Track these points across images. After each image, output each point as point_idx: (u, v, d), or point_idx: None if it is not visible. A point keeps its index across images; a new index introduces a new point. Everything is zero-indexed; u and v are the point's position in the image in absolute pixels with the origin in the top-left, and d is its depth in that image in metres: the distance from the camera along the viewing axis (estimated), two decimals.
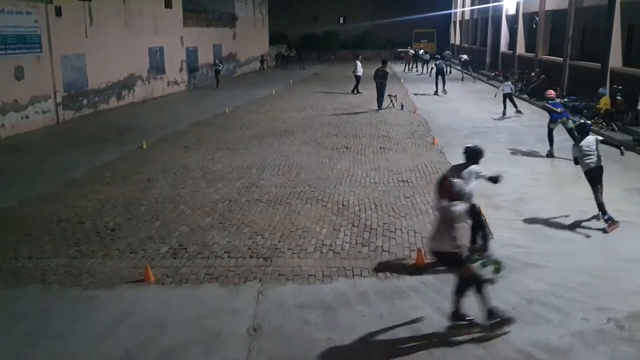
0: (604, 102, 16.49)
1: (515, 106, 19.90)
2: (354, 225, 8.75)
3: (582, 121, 9.82)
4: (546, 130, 13.43)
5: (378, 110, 21.31)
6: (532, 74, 25.25)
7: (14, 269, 7.35)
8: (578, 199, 9.76)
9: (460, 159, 7.33)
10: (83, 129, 18.26)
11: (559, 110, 13.23)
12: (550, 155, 13.15)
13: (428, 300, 6.28)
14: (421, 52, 41.55)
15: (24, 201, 10.28)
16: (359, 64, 27.31)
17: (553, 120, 13.25)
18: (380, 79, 21.67)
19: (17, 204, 10.15)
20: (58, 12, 19.05)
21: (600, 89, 17.43)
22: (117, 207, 9.86)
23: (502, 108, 19.64)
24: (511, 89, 19.83)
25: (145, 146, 14.91)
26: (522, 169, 12.03)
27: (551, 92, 14.05)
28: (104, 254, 7.77)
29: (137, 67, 25.11)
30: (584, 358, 5.19)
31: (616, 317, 5.85)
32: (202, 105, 23.81)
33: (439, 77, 26.42)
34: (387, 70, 22.40)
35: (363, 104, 23.48)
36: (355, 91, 27.16)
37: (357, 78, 27.15)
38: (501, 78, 30.21)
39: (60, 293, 6.69)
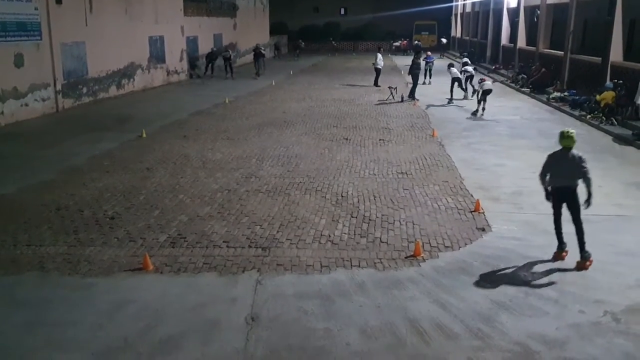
0: (610, 96, 16.44)
1: (465, 90, 21.39)
2: (352, 217, 8.76)
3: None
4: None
5: (412, 100, 21.55)
6: (533, 67, 25.22)
7: (12, 256, 7.36)
8: None
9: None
10: (82, 118, 18.23)
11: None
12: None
13: (425, 292, 6.31)
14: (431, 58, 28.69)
15: (23, 188, 10.28)
16: (379, 56, 26.57)
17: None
18: (415, 69, 22.33)
19: (16, 191, 10.15)
20: None
21: (607, 83, 17.40)
22: (116, 195, 9.87)
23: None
24: (466, 72, 21.15)
25: (144, 135, 14.90)
26: (522, 162, 12.03)
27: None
28: (103, 242, 7.78)
29: (137, 56, 25.04)
30: (580, 350, 5.21)
31: (613, 310, 5.87)
32: (202, 95, 23.76)
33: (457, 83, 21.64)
34: (419, 62, 22.93)
35: (363, 95, 23.45)
36: (375, 84, 26.40)
37: (377, 71, 26.55)
38: (502, 71, 30.22)
39: (58, 281, 6.70)
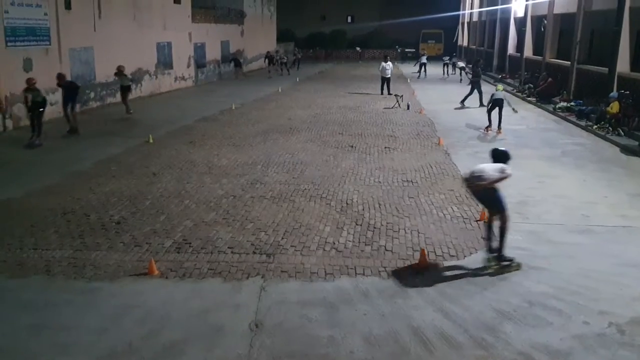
0: (615, 107, 16.43)
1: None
2: (357, 224, 8.77)
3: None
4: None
5: (462, 105, 22.44)
6: (540, 77, 25.21)
7: (19, 259, 7.41)
8: (582, 203, 9.76)
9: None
10: (89, 122, 18.33)
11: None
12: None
13: (430, 300, 6.30)
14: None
15: (30, 192, 10.34)
16: (383, 64, 26.16)
17: None
18: (476, 77, 23.37)
19: (23, 195, 10.21)
20: (68, 5, 19.15)
21: (611, 93, 17.39)
22: (123, 200, 9.91)
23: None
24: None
25: (151, 140, 14.97)
26: (527, 171, 12.01)
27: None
28: (109, 247, 7.82)
29: (144, 62, 25.19)
30: None
31: (617, 321, 5.85)
32: (209, 101, 23.87)
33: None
34: (479, 70, 23.82)
35: (369, 103, 23.49)
36: (382, 93, 26.24)
37: (385, 80, 26.26)
38: (509, 80, 30.24)
39: (64, 284, 6.73)
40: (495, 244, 7.11)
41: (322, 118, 19.38)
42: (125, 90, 20.20)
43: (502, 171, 7.05)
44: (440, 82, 29.25)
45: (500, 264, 7.03)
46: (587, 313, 6.03)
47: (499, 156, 7.36)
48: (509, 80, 31.28)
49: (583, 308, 6.14)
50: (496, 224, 7.13)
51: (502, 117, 16.31)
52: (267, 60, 37.78)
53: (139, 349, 5.38)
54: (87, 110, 20.49)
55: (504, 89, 16.94)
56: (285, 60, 38.70)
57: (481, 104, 21.39)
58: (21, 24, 16.90)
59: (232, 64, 34.82)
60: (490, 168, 7.10)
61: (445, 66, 38.27)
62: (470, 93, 22.56)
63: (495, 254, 7.07)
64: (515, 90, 27.40)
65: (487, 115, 16.55)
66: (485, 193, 7.09)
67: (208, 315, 5.98)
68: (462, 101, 22.61)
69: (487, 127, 16.69)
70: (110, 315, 5.99)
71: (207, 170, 12.01)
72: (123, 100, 20.24)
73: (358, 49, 58.61)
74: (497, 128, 16.46)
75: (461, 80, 33.02)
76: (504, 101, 16.11)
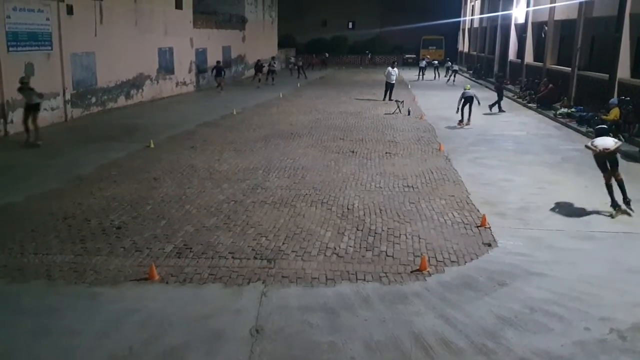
0: (614, 114, 16.43)
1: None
2: (358, 230, 8.77)
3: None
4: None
5: (499, 112, 22.76)
6: (541, 82, 25.25)
7: (19, 264, 7.40)
8: (583, 209, 9.76)
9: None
10: (91, 127, 18.36)
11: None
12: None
13: (431, 306, 6.29)
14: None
15: (31, 197, 10.35)
16: (389, 69, 25.99)
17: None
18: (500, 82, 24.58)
19: (24, 199, 10.21)
20: (69, 10, 19.19)
21: (611, 99, 17.40)
22: (123, 205, 9.91)
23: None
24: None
25: (152, 145, 14.99)
26: (528, 177, 12.03)
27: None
28: (109, 252, 7.81)
29: (146, 67, 25.24)
30: None
31: (619, 327, 5.84)
32: (210, 106, 23.91)
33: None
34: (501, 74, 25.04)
35: (370, 108, 23.52)
36: (385, 99, 26.07)
37: (389, 86, 26.06)
38: (510, 86, 30.34)
39: (65, 289, 6.73)
40: (616, 196, 9.44)
41: (323, 123, 19.40)
42: (31, 110, 15.00)
43: (615, 142, 9.45)
44: (442, 87, 29.28)
45: (626, 207, 9.46)
46: (588, 319, 6.02)
47: (603, 131, 10.05)
48: (509, 87, 31.32)
49: (584, 314, 6.13)
50: (613, 183, 9.46)
51: (472, 112, 19.30)
52: (256, 69, 34.33)
53: (139, 354, 5.37)
54: (88, 115, 20.52)
55: (471, 87, 19.80)
56: (275, 68, 35.34)
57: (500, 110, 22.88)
58: (23, 29, 16.94)
59: (214, 72, 29.94)
60: (608, 140, 9.47)
61: (449, 71, 39.51)
62: (500, 99, 23.09)
63: (619, 204, 9.45)
64: (515, 97, 27.42)
65: (460, 112, 19.13)
66: (611, 157, 9.40)
67: (209, 321, 5.98)
68: (491, 106, 22.86)
69: (460, 121, 19.20)
70: (110, 320, 5.98)
71: (208, 175, 12.01)
72: (26, 124, 14.99)
73: (368, 53, 59.59)
74: (467, 121, 19.18)
75: (454, 82, 33.59)
76: (474, 98, 19.01)
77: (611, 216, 9.36)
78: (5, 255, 7.66)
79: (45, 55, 18.13)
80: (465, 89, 19.29)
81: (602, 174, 9.65)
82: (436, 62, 43.09)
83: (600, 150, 9.38)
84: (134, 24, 23.89)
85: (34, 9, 17.48)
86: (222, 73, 29.64)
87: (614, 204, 9.46)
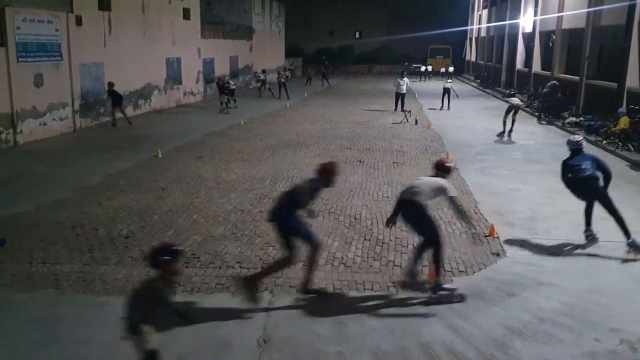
0: (623, 122, 16.37)
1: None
2: (365, 239, 8.75)
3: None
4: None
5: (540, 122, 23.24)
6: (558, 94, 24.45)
7: (28, 273, 7.43)
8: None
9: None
10: (99, 137, 18.47)
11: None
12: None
13: (439, 316, 6.26)
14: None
15: (39, 207, 10.40)
16: (398, 80, 25.42)
17: None
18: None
19: (33, 209, 10.26)
20: (79, 21, 19.37)
21: (620, 108, 17.34)
22: (131, 214, 9.94)
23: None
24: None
25: (160, 155, 15.04)
26: (536, 186, 11.97)
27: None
28: (117, 261, 7.83)
29: (154, 77, 25.40)
30: None
31: (629, 338, 5.78)
32: (217, 116, 24.00)
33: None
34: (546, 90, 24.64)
35: (377, 118, 23.53)
36: (396, 109, 25.08)
37: (399, 96, 25.24)
38: (518, 95, 30.22)
39: (73, 299, 6.74)
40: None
41: (331, 133, 19.43)
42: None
43: None
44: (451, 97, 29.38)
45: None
46: (598, 330, 5.97)
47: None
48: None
49: (594, 325, 6.08)
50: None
51: (450, 101, 27.04)
52: (259, 82, 32.83)
53: None
54: (97, 125, 20.65)
55: (451, 81, 28.29)
56: (232, 87, 26.82)
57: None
58: (33, 40, 17.10)
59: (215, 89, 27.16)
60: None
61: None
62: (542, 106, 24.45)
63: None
64: (524, 105, 27.21)
65: (441, 100, 27.07)
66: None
67: (216, 330, 5.97)
68: (429, 116, 24.37)
69: (440, 108, 26.77)
70: (118, 329, 5.96)
71: (215, 185, 12.04)
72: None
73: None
74: (447, 107, 26.81)
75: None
76: (451, 90, 27.13)
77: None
78: (14, 264, 7.69)
79: (55, 66, 18.28)
80: (446, 82, 28.04)
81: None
82: (452, 68, 46.50)
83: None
84: (142, 34, 24.08)
85: (44, 20, 17.66)
86: (226, 90, 25.69)
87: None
